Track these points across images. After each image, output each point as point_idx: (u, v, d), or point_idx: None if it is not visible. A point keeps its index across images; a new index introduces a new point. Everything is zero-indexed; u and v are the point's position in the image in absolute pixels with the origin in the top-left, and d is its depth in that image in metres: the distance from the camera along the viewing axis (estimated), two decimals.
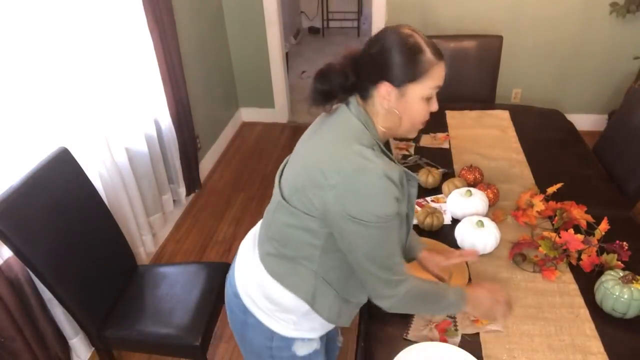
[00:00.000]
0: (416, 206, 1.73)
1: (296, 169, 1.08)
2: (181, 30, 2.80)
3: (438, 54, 1.00)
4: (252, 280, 1.17)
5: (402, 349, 1.18)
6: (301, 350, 1.19)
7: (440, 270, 1.33)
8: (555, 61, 3.51)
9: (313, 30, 6.22)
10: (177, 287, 1.81)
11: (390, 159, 1.07)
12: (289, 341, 1.17)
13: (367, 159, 0.97)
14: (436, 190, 1.82)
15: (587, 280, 1.39)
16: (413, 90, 1.00)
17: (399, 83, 1.00)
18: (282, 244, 1.11)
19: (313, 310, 1.12)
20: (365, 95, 1.05)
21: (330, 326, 1.21)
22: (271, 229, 1.13)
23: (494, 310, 1.19)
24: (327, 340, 1.41)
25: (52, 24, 1.77)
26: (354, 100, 1.07)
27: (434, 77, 1.00)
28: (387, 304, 1.09)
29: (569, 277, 1.41)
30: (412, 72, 0.99)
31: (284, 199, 1.08)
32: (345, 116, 1.06)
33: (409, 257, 1.34)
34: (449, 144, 2.14)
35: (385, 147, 1.12)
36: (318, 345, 1.22)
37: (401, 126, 1.07)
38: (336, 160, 0.99)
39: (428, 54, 0.99)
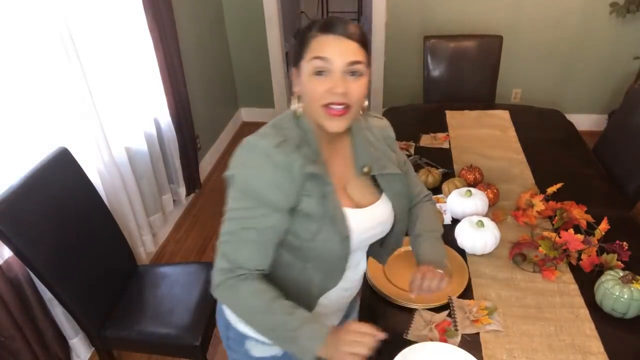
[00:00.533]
0: None
1: None
2: (181, 30, 2.80)
3: (325, 27, 0.96)
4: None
5: (402, 349, 1.18)
6: (255, 350, 1.15)
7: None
8: (555, 61, 3.51)
9: None
10: (177, 287, 1.81)
11: (310, 151, 1.00)
12: (242, 336, 1.14)
13: (262, 137, 0.99)
14: (436, 190, 1.82)
15: (587, 280, 1.39)
16: (303, 67, 0.98)
17: (296, 63, 1.01)
18: None
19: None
20: None
21: None
22: None
23: (346, 350, 0.94)
24: None
25: (52, 24, 1.77)
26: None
27: (313, 49, 0.96)
28: (216, 294, 1.02)
29: (569, 277, 1.41)
30: (299, 48, 0.99)
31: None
32: (286, 113, 1.07)
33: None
34: (449, 144, 2.14)
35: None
36: (279, 352, 1.15)
37: (309, 109, 1.01)
38: (247, 137, 1.01)
39: (314, 29, 0.97)
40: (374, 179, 1.13)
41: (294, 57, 1.02)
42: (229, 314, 1.15)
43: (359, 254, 1.16)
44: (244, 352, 1.16)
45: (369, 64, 1.00)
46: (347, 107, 0.97)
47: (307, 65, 0.97)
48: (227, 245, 0.99)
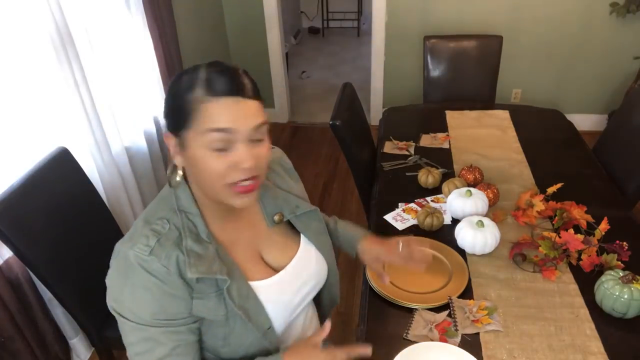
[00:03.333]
0: (416, 206, 1.73)
1: None
2: (181, 30, 2.80)
3: (214, 87, 0.77)
4: None
5: (402, 349, 1.18)
6: None
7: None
8: (555, 61, 3.51)
9: (313, 30, 6.22)
10: None
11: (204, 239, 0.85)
12: None
13: (132, 243, 0.82)
14: (436, 190, 1.82)
15: (587, 280, 1.39)
16: (191, 139, 0.79)
17: (173, 130, 0.81)
18: None
19: None
20: None
21: None
22: None
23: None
24: None
25: (52, 24, 1.77)
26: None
27: (207, 119, 0.77)
28: None
29: (569, 277, 1.41)
30: (178, 114, 0.79)
31: None
32: (163, 194, 0.89)
33: (349, 252, 1.20)
34: (449, 144, 2.14)
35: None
36: None
37: (205, 188, 0.84)
38: (120, 242, 0.86)
39: (198, 89, 0.77)
40: (289, 223, 1.02)
41: (170, 119, 0.82)
42: None
43: (302, 313, 1.03)
44: None
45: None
46: (256, 179, 0.82)
47: (199, 138, 0.78)
48: None
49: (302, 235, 1.03)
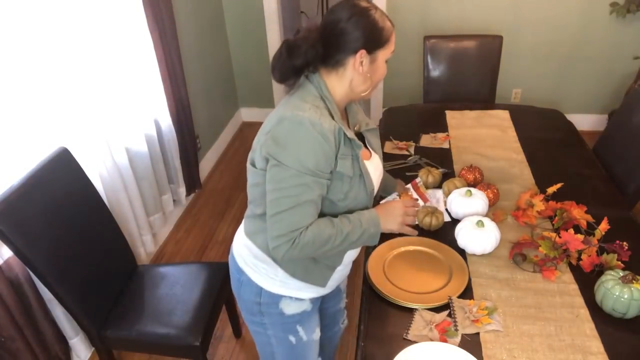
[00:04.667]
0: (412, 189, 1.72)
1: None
2: (181, 30, 2.81)
3: (391, 22, 1.15)
4: (241, 241, 1.28)
5: (402, 349, 1.18)
6: (289, 308, 1.26)
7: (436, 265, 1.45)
8: (555, 61, 3.51)
9: None
10: (177, 287, 1.81)
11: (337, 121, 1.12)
12: (276, 298, 1.24)
13: (302, 110, 1.06)
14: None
15: (587, 280, 1.39)
16: (381, 55, 1.13)
17: (371, 50, 1.11)
18: (252, 204, 1.22)
19: (276, 264, 1.20)
20: (333, 64, 1.12)
21: (322, 290, 1.28)
22: (248, 194, 1.23)
23: (403, 219, 1.21)
24: (327, 316, 1.55)
25: (52, 24, 1.77)
26: (316, 71, 1.14)
27: (392, 42, 1.15)
28: (279, 256, 1.10)
29: (569, 277, 1.41)
30: (381, 39, 1.12)
31: (250, 163, 1.17)
32: (305, 89, 1.13)
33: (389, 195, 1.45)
34: (449, 144, 2.14)
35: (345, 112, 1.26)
36: (309, 307, 1.29)
37: (367, 87, 1.17)
38: (280, 113, 1.09)
39: (388, 23, 1.13)
40: (358, 136, 1.27)
41: (371, 43, 1.10)
42: (259, 280, 1.23)
43: None
44: (278, 313, 1.26)
45: None
46: None
47: (386, 53, 1.14)
48: (285, 220, 1.07)
49: (369, 146, 1.27)
